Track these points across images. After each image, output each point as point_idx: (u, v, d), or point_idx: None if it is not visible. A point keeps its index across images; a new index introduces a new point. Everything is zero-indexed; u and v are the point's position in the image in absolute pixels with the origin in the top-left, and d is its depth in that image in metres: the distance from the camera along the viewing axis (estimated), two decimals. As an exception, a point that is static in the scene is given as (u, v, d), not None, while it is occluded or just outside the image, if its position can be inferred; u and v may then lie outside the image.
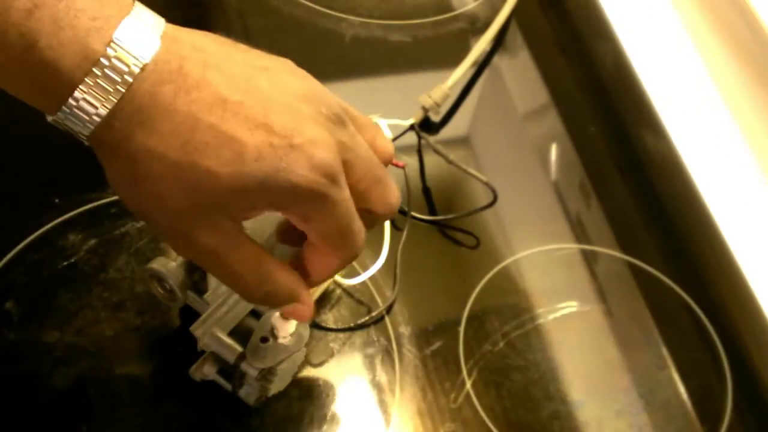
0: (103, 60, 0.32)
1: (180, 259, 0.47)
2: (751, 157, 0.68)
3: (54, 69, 0.32)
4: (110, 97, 0.33)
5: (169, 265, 0.46)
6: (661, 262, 0.60)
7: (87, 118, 0.33)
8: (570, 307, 0.57)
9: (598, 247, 0.61)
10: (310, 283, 0.41)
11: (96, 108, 0.33)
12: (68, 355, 0.49)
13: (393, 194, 0.41)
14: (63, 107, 0.33)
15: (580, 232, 0.62)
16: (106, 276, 0.53)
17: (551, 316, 0.57)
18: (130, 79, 0.33)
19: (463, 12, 0.75)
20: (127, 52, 0.33)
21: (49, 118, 0.35)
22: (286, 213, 0.37)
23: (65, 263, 0.53)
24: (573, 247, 0.61)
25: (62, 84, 0.33)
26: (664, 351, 0.56)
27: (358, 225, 0.38)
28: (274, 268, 0.39)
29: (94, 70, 0.32)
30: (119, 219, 0.55)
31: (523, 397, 0.52)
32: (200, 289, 0.48)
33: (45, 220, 0.54)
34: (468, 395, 0.52)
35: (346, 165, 0.37)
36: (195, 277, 0.47)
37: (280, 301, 0.40)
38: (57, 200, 0.55)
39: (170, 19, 0.36)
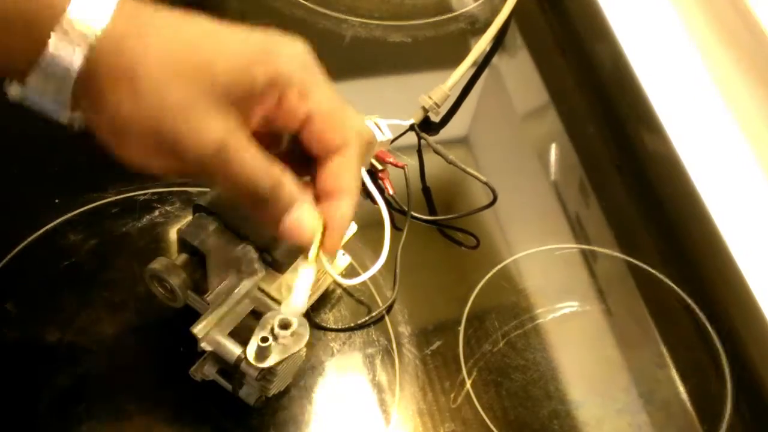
0: None
1: (180, 259, 0.47)
2: (750, 157, 0.68)
3: None
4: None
5: (170, 265, 0.46)
6: (660, 262, 0.61)
7: (85, 32, 0.33)
8: (569, 306, 0.58)
9: (597, 246, 0.61)
10: (342, 198, 0.40)
11: (94, 20, 0.34)
12: (69, 354, 0.49)
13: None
14: (56, 29, 0.33)
15: (579, 232, 0.62)
16: (107, 276, 0.53)
17: (551, 316, 0.57)
18: None
19: (462, 12, 0.76)
20: None
21: (25, 89, 0.35)
22: (286, 91, 0.38)
23: (66, 263, 0.53)
24: (572, 246, 0.61)
25: (54, 6, 0.33)
26: (664, 350, 0.57)
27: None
28: (281, 166, 0.39)
29: None
30: (120, 219, 0.55)
31: (522, 396, 0.53)
32: (200, 289, 0.48)
33: (46, 220, 0.54)
34: (468, 395, 0.52)
35: None
36: (195, 278, 0.47)
37: (287, 197, 0.39)
38: (57, 200, 0.55)
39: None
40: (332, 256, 0.43)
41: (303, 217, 0.39)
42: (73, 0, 0.33)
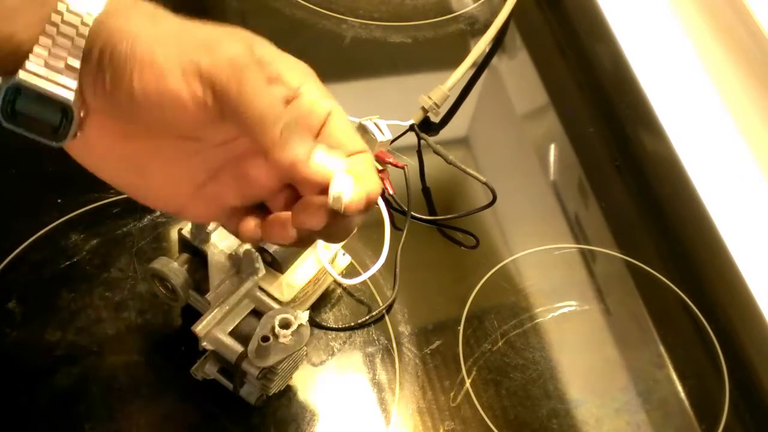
0: None
1: (181, 258, 0.47)
2: (748, 157, 0.68)
3: None
4: None
5: (171, 265, 0.47)
6: (659, 262, 0.61)
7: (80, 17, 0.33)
8: (568, 306, 0.58)
9: (596, 246, 0.61)
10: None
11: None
12: (70, 354, 0.49)
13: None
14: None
15: (578, 232, 0.62)
16: (108, 275, 0.53)
17: (550, 315, 0.57)
18: None
19: (462, 13, 0.76)
20: None
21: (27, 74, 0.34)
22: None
23: (67, 263, 0.53)
24: (571, 246, 0.61)
25: None
26: (662, 350, 0.57)
27: None
28: None
29: None
30: (121, 219, 0.55)
31: (521, 395, 0.53)
32: (202, 288, 0.48)
33: (47, 220, 0.54)
34: (467, 394, 0.52)
35: None
36: (196, 277, 0.48)
37: (317, 121, 0.36)
38: (59, 200, 0.55)
39: (173, 21, 0.36)
40: (374, 201, 0.37)
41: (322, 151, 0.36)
42: None
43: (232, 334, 0.46)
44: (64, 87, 0.34)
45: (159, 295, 0.49)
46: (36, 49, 0.34)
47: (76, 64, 0.34)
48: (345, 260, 0.54)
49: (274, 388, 0.47)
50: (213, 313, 0.46)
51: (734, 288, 0.61)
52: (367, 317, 0.54)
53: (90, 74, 0.35)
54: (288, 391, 0.50)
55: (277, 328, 0.44)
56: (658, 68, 0.74)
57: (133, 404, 0.48)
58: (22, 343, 0.50)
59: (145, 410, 0.48)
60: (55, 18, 0.33)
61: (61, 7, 0.33)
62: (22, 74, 0.34)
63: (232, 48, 0.35)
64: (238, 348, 0.45)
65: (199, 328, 0.45)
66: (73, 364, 0.49)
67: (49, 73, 0.34)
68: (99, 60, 0.34)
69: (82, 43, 0.34)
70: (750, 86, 0.70)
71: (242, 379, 0.46)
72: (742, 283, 0.61)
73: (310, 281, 0.51)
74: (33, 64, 0.34)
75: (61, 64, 0.34)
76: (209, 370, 0.48)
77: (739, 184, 0.67)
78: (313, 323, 0.53)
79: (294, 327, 0.44)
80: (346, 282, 0.54)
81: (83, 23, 0.34)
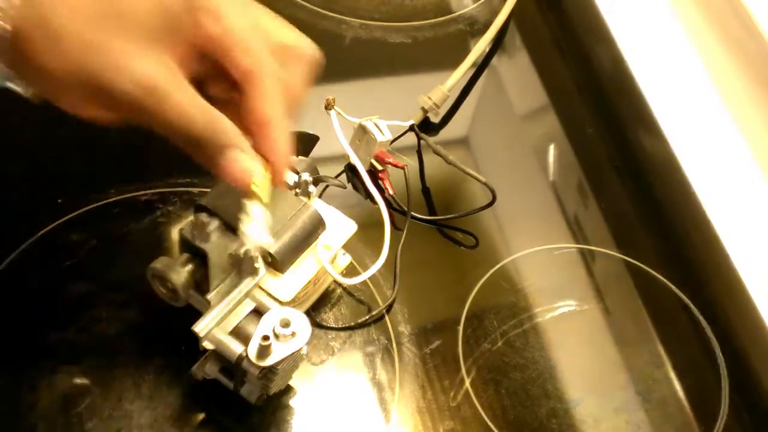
0: None
1: (182, 258, 0.48)
2: (747, 157, 0.69)
3: None
4: None
5: (171, 264, 0.47)
6: (658, 262, 0.61)
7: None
8: (568, 306, 0.58)
9: (595, 246, 0.62)
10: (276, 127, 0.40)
11: None
12: (71, 354, 0.49)
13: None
14: None
15: (577, 232, 0.62)
16: (109, 275, 0.53)
17: (549, 315, 0.57)
18: None
19: (462, 14, 0.76)
20: None
21: None
22: (200, 14, 0.37)
23: (68, 263, 0.53)
24: (571, 246, 0.61)
25: None
26: (661, 349, 0.57)
27: None
28: (215, 108, 0.38)
29: None
30: (122, 219, 0.55)
31: (521, 395, 0.53)
32: (202, 288, 0.48)
33: (48, 220, 0.54)
34: (467, 393, 0.52)
35: None
36: (197, 277, 0.48)
37: (222, 137, 0.38)
38: (60, 200, 0.55)
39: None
40: (282, 187, 0.43)
41: (238, 157, 0.38)
42: None
43: (232, 334, 0.46)
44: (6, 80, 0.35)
45: (159, 295, 0.49)
46: None
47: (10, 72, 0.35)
48: (345, 260, 0.54)
49: (274, 387, 0.47)
50: (213, 313, 0.46)
51: (733, 288, 0.61)
52: (367, 317, 0.54)
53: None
54: (288, 391, 0.50)
55: (277, 328, 0.44)
56: (657, 69, 0.74)
57: (133, 404, 0.48)
58: (22, 343, 0.50)
59: (145, 410, 0.48)
60: None
61: None
62: None
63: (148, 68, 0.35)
64: (239, 348, 0.45)
65: (199, 328, 0.45)
66: (73, 363, 0.49)
67: None
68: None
69: (7, 58, 0.34)
70: (750, 86, 0.70)
71: (243, 378, 0.46)
72: (740, 283, 0.61)
73: (310, 281, 0.51)
74: None
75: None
76: (209, 370, 0.48)
77: (738, 184, 0.67)
78: (313, 323, 0.53)
79: (294, 327, 0.44)
80: (346, 282, 0.54)
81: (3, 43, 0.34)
